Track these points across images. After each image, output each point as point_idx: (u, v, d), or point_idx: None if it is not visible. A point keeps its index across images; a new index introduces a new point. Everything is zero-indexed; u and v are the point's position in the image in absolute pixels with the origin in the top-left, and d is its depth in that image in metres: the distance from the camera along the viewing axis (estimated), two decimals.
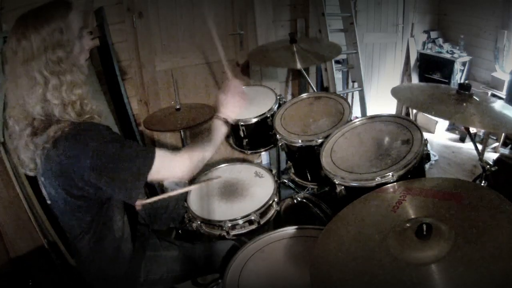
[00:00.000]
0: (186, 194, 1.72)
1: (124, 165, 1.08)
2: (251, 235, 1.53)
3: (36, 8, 1.07)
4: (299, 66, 2.10)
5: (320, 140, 1.67)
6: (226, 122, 1.35)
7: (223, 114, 1.35)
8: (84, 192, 1.13)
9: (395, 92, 1.48)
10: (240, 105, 1.40)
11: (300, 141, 1.72)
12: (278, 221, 1.74)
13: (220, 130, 1.34)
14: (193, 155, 1.23)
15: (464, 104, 1.29)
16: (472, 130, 2.83)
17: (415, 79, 3.97)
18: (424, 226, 0.91)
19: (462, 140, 3.69)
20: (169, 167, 1.18)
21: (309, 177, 1.85)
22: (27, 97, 1.06)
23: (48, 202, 1.25)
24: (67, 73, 1.07)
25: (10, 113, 1.12)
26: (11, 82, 1.09)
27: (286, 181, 2.35)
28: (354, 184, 1.37)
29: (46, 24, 1.03)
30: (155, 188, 2.81)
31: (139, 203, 1.51)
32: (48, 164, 1.10)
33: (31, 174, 1.19)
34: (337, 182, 1.40)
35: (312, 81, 2.84)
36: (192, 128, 2.17)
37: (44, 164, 1.11)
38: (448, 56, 3.70)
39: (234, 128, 2.06)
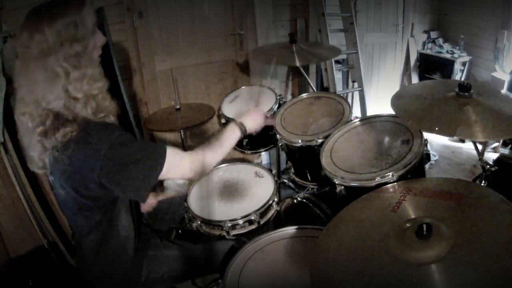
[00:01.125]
0: (186, 195, 1.72)
1: (135, 166, 1.07)
2: (251, 235, 1.53)
3: (49, 3, 1.05)
4: (297, 63, 2.10)
5: (320, 140, 1.67)
6: (241, 128, 1.39)
7: (241, 119, 1.42)
8: (94, 193, 1.12)
9: (394, 106, 1.41)
10: (261, 121, 1.50)
11: (300, 141, 1.72)
12: (278, 221, 1.74)
13: (234, 134, 1.38)
14: (203, 156, 1.23)
15: (465, 108, 1.24)
16: None
17: (415, 79, 3.97)
18: (424, 226, 0.91)
19: (462, 140, 3.69)
20: (179, 166, 1.18)
21: (309, 177, 1.85)
22: (44, 92, 1.04)
23: (59, 200, 1.25)
24: (88, 66, 1.07)
25: (23, 109, 1.09)
26: (24, 77, 1.06)
27: (286, 181, 2.35)
28: (354, 184, 1.37)
29: (60, 18, 1.02)
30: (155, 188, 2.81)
31: (154, 201, 1.56)
32: (57, 166, 1.09)
33: (40, 171, 1.18)
34: (337, 182, 1.40)
35: (312, 81, 2.84)
36: (192, 128, 2.18)
37: (53, 165, 1.10)
38: (448, 56, 3.70)
39: None
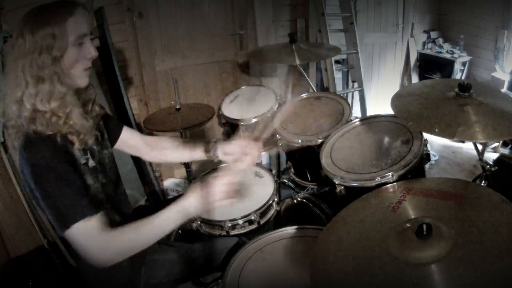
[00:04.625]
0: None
1: (46, 201, 1.00)
2: (251, 235, 1.53)
3: (40, 6, 1.04)
4: (297, 62, 2.10)
5: (320, 140, 1.67)
6: (183, 213, 1.09)
7: (187, 199, 1.11)
8: None
9: (394, 106, 1.39)
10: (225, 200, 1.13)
11: (300, 141, 1.72)
12: (278, 221, 1.74)
13: (169, 220, 1.09)
14: (119, 238, 1.04)
15: (466, 108, 1.23)
16: None
17: (415, 79, 3.97)
18: (424, 226, 0.91)
19: (462, 140, 3.69)
20: (87, 241, 1.00)
21: (309, 177, 1.84)
22: (10, 95, 1.05)
23: None
24: (46, 81, 1.03)
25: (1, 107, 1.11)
26: (5, 76, 1.07)
27: (286, 181, 2.35)
28: (354, 184, 1.37)
29: (42, 28, 1.01)
30: (156, 190, 2.81)
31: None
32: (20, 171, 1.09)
33: None
34: (337, 182, 1.40)
35: (312, 81, 2.84)
36: (192, 128, 2.18)
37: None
38: (448, 56, 3.70)
39: (234, 128, 2.06)
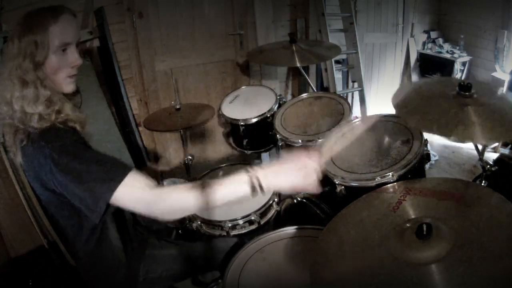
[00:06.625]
0: None
1: (88, 167, 0.99)
2: (251, 235, 1.53)
3: (28, 13, 1.06)
4: (298, 64, 2.10)
5: (320, 140, 1.67)
6: (253, 184, 0.99)
7: (264, 172, 1.01)
8: (62, 199, 1.08)
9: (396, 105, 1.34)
10: (300, 183, 1.05)
11: (300, 141, 1.72)
12: (278, 221, 1.74)
13: (238, 187, 1.01)
14: (171, 195, 1.01)
15: (466, 108, 1.20)
16: None
17: (415, 79, 3.97)
18: (424, 226, 0.91)
19: (461, 140, 3.68)
20: (136, 196, 1.00)
21: None
22: (2, 95, 1.05)
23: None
24: (30, 85, 1.03)
25: None
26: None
27: None
28: (354, 184, 1.37)
29: (27, 35, 1.02)
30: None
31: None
32: (26, 166, 1.09)
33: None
34: (337, 182, 1.40)
35: (312, 81, 2.84)
36: (192, 128, 2.18)
37: (24, 164, 1.09)
38: (448, 56, 3.70)
39: (234, 128, 2.06)
